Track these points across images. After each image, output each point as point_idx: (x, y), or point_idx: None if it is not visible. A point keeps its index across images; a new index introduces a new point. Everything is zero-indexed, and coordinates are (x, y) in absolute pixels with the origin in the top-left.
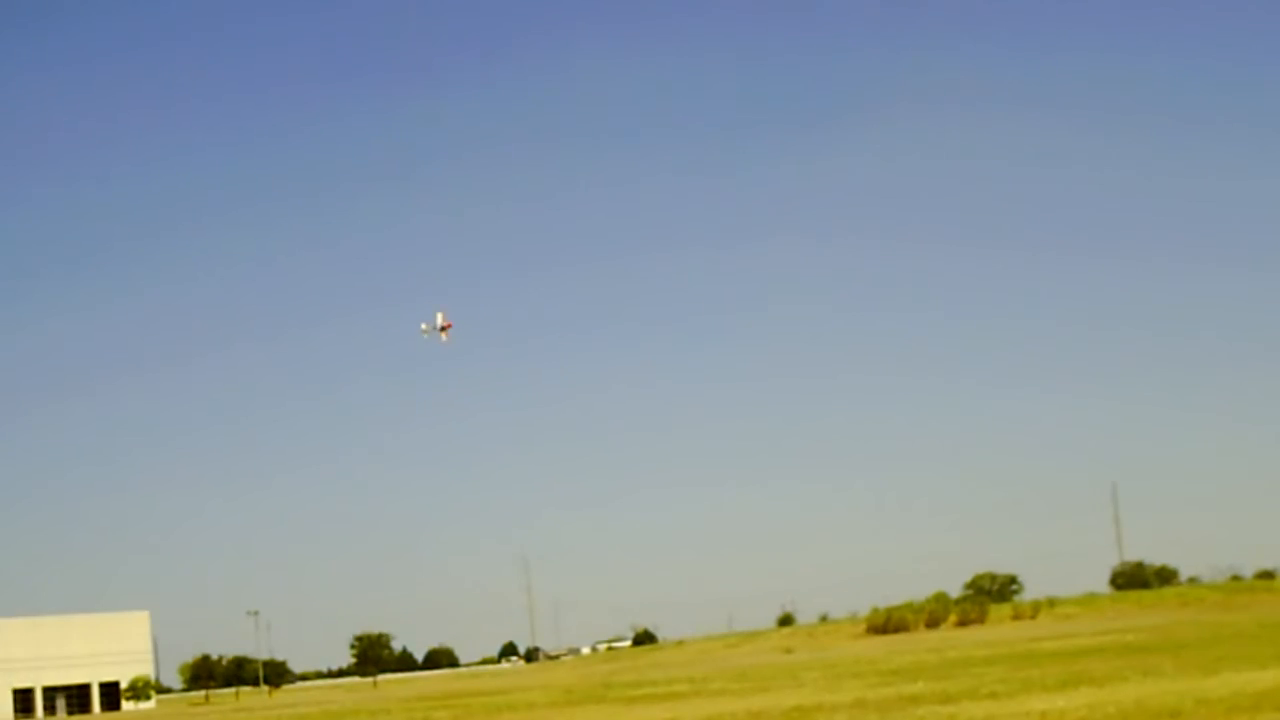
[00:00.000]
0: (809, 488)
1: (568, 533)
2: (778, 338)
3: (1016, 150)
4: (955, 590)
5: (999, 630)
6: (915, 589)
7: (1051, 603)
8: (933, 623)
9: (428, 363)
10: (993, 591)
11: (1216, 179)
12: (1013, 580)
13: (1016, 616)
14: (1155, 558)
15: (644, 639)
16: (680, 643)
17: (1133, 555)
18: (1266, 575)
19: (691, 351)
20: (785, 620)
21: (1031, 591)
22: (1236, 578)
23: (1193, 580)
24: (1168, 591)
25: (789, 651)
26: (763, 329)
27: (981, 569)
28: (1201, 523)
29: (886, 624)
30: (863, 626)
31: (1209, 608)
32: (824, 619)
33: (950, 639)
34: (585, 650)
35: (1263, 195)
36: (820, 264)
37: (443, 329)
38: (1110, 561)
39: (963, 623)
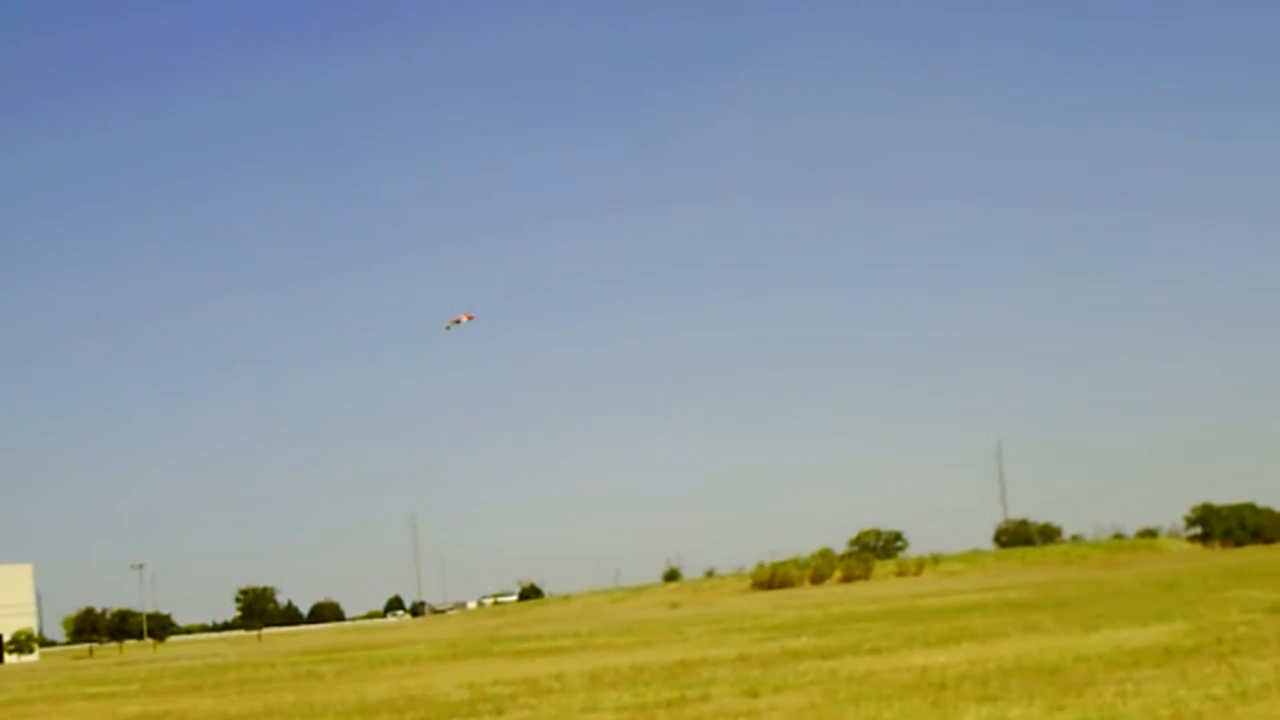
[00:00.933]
0: (695, 443)
1: (454, 487)
2: (662, 295)
3: (899, 99)
4: (841, 547)
5: (883, 586)
6: (801, 545)
7: (936, 559)
8: (818, 579)
9: (316, 318)
10: (878, 548)
11: (1091, 122)
12: (898, 537)
13: (901, 573)
14: (1039, 516)
15: (530, 594)
16: (566, 597)
17: (1017, 513)
18: (1148, 534)
19: (576, 310)
20: (671, 575)
21: (916, 548)
22: (1119, 536)
23: (1076, 538)
24: (1051, 549)
25: (674, 606)
26: (646, 288)
27: (867, 526)
28: (1085, 481)
29: (772, 580)
30: (748, 582)
31: (1091, 565)
32: (710, 574)
33: (835, 595)
34: (471, 604)
35: (1150, 141)
36: (706, 221)
37: (461, 319)
38: (994, 519)
39: (848, 579)
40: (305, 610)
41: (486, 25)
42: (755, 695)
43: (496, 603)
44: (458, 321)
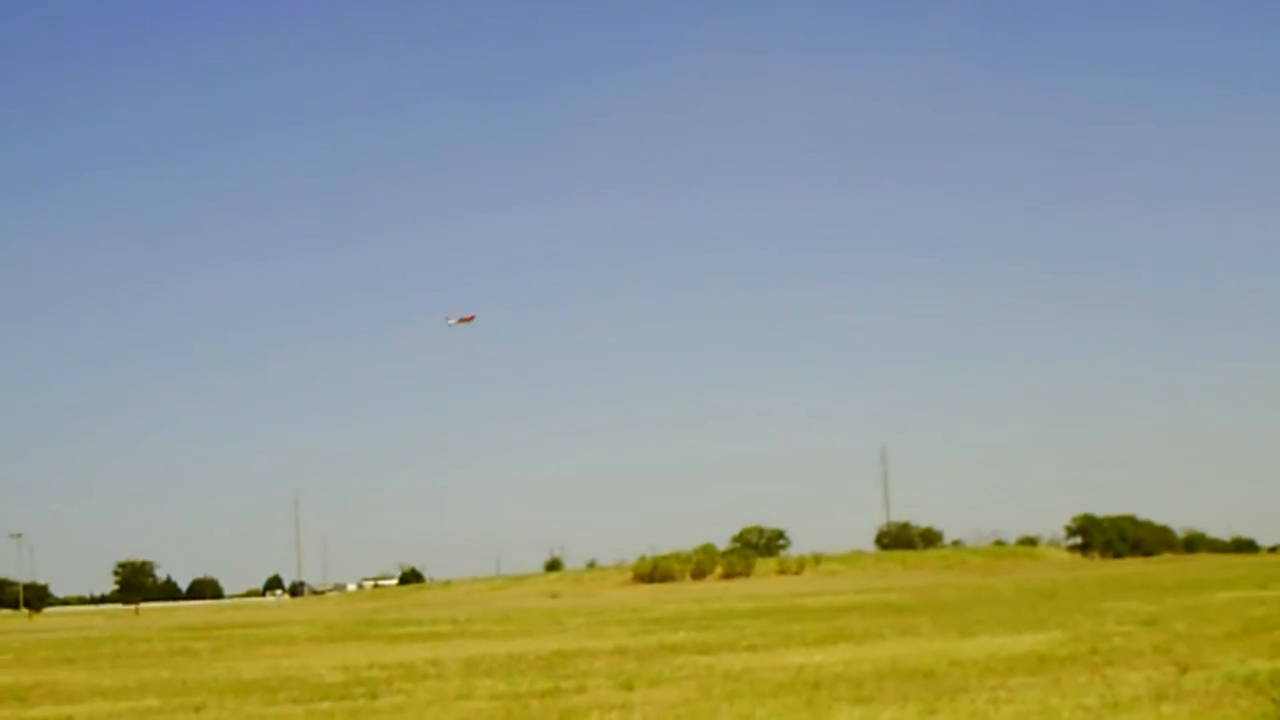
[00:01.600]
0: (581, 434)
1: (338, 468)
2: (548, 287)
3: (799, 87)
4: (723, 543)
5: (764, 584)
6: (683, 540)
7: (817, 559)
8: (699, 574)
9: (206, 300)
10: (760, 545)
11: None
12: (780, 535)
13: (782, 571)
14: (921, 519)
15: (410, 578)
16: (447, 583)
17: (899, 516)
18: (1029, 542)
19: (468, 298)
20: (553, 565)
21: (798, 547)
22: (1000, 543)
23: (956, 543)
24: (931, 553)
25: (555, 596)
26: (530, 280)
27: (750, 523)
28: (968, 487)
29: (653, 573)
30: (629, 575)
31: (971, 571)
32: (591, 565)
33: (715, 590)
34: (351, 587)
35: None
36: (591, 215)
37: (465, 319)
38: (877, 521)
39: (729, 575)
40: (184, 586)
41: (411, 19)
42: (630, 688)
43: (376, 586)
44: (463, 320)
